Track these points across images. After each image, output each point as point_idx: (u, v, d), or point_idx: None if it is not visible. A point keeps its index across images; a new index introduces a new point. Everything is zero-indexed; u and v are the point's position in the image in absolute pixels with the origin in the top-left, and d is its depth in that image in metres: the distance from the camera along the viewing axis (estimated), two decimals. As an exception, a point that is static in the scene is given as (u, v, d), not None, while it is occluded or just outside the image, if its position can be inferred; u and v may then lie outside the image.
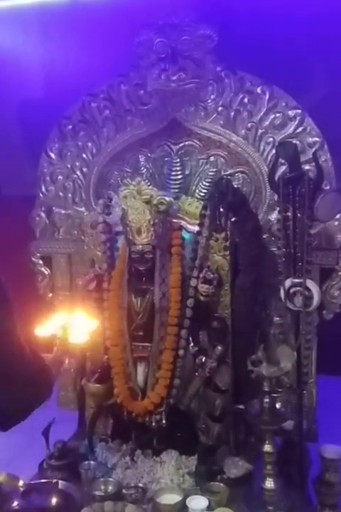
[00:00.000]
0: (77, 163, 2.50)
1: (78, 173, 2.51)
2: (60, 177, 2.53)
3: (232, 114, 2.27)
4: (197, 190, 2.34)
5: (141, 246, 2.08)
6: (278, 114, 2.22)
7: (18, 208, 2.68)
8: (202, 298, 2.10)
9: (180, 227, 2.17)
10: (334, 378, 2.80)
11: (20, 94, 2.77)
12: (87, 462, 2.13)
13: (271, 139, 2.24)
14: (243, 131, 2.27)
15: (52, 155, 2.53)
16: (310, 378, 2.23)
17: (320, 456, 1.91)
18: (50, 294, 2.60)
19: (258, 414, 1.83)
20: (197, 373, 2.10)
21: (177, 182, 2.32)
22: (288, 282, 1.97)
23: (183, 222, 2.18)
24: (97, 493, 1.98)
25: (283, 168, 2.10)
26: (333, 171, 2.17)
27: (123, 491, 1.97)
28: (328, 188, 2.10)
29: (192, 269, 2.13)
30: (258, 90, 2.23)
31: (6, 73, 2.67)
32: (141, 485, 2.01)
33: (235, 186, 2.15)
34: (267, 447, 1.81)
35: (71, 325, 1.80)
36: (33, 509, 1.92)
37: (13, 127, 2.96)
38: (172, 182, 2.32)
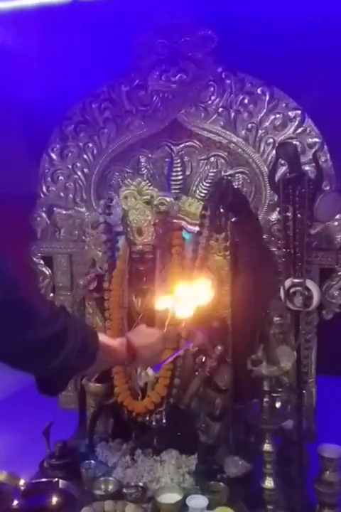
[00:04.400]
0: (78, 164, 2.52)
1: (79, 173, 2.52)
2: (61, 177, 2.55)
3: (233, 115, 2.28)
4: (197, 191, 2.35)
5: (141, 246, 2.08)
6: (278, 115, 2.23)
7: (19, 209, 2.69)
8: (202, 297, 2.10)
9: (181, 228, 2.17)
10: (334, 378, 2.80)
11: (21, 95, 2.77)
12: (87, 461, 2.14)
13: (271, 140, 2.25)
14: (243, 132, 2.28)
15: (53, 155, 2.54)
16: (310, 378, 2.24)
17: (319, 456, 1.91)
18: (51, 294, 2.61)
19: (258, 414, 1.83)
20: (197, 373, 2.10)
21: (178, 182, 2.33)
22: (287, 282, 1.98)
23: (184, 223, 2.18)
24: (98, 492, 1.98)
25: (283, 169, 2.11)
26: (333, 171, 2.18)
27: (124, 490, 1.97)
28: (328, 188, 2.11)
29: (192, 270, 2.13)
30: (259, 91, 2.24)
31: (6, 74, 2.68)
32: (141, 484, 2.01)
33: (235, 187, 2.16)
34: (267, 446, 1.81)
35: (180, 298, 1.70)
36: (34, 508, 1.92)
37: (15, 127, 2.96)
38: (172, 182, 2.33)
